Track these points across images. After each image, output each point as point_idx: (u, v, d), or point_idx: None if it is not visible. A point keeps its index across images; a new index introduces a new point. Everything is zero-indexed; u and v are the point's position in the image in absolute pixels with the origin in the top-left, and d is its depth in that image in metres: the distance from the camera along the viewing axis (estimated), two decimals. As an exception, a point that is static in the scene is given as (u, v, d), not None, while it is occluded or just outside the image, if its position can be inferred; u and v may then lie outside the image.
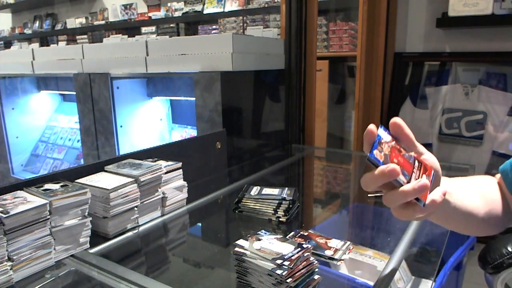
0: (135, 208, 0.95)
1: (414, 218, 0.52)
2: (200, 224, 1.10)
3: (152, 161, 1.04)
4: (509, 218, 0.69)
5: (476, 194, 0.66)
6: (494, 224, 0.67)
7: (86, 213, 0.84)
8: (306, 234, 0.89)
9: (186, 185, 1.10)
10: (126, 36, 2.29)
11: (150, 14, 3.86)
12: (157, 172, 0.99)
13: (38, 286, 0.73)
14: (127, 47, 1.79)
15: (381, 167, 0.48)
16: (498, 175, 0.72)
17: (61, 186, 0.85)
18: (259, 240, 0.71)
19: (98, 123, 1.95)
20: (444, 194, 0.54)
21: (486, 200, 0.66)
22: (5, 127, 2.53)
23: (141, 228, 0.97)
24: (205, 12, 3.49)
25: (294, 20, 1.79)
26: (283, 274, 0.62)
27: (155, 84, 1.97)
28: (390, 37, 1.98)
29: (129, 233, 0.93)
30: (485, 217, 0.64)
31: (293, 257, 0.64)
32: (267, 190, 1.07)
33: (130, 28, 4.04)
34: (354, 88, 2.42)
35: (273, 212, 1.01)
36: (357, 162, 1.77)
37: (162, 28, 3.79)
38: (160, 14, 3.78)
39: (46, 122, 2.76)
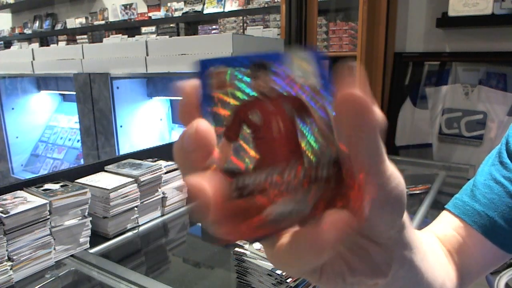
0: (135, 208, 0.95)
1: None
2: (200, 224, 1.10)
3: (152, 161, 1.04)
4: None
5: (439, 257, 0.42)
6: None
7: (86, 213, 0.84)
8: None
9: (186, 185, 1.10)
10: (126, 36, 2.29)
11: (150, 14, 3.86)
12: (157, 172, 0.99)
13: (38, 286, 0.73)
14: (127, 47, 1.79)
15: None
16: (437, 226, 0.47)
17: (61, 186, 0.85)
18: (259, 240, 0.71)
19: (98, 123, 1.95)
20: None
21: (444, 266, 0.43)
22: (5, 127, 2.52)
23: (141, 228, 0.97)
24: (205, 12, 3.48)
25: (294, 20, 1.79)
26: (283, 274, 0.62)
27: (155, 84, 1.97)
28: (390, 37, 1.98)
29: (129, 233, 0.93)
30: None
31: (293, 257, 0.64)
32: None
33: (130, 28, 4.04)
34: (354, 88, 2.41)
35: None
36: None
37: (162, 28, 3.79)
38: (160, 14, 3.78)
39: (46, 122, 2.75)
